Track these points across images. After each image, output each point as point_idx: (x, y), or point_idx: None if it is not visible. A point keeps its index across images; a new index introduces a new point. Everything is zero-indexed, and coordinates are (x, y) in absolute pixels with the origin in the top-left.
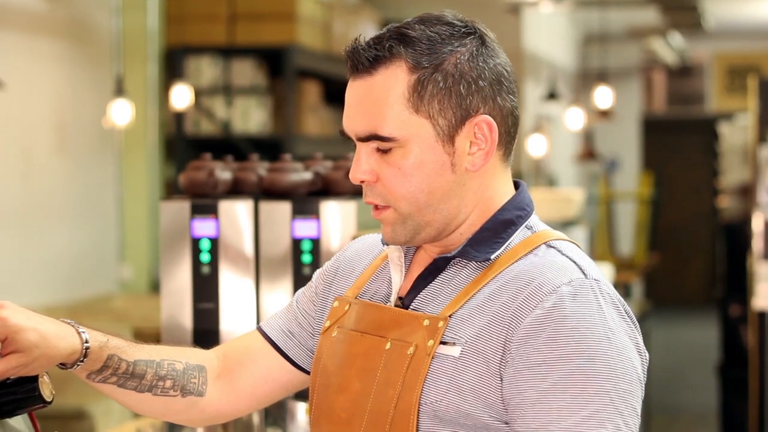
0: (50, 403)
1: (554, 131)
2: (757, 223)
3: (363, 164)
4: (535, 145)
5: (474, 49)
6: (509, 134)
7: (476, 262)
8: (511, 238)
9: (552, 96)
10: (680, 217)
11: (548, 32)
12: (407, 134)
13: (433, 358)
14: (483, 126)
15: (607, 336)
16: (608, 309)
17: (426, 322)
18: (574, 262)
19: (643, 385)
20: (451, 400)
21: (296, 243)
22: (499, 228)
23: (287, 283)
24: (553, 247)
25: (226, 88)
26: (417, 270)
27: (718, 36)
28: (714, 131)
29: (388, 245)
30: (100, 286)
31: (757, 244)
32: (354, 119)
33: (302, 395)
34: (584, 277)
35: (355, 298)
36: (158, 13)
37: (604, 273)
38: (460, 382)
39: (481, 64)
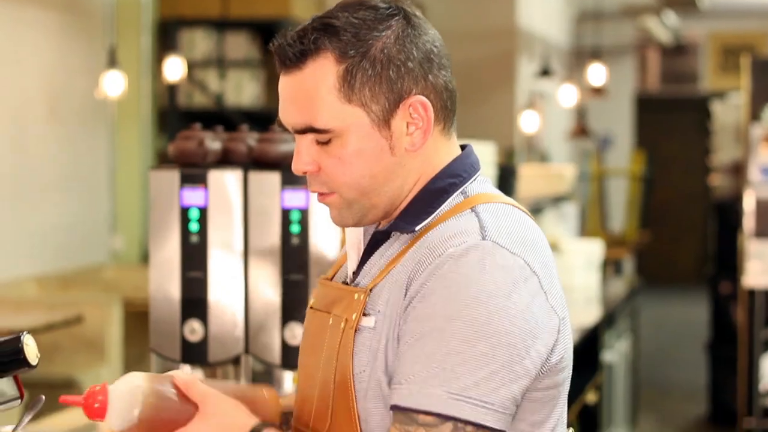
0: (35, 366)
1: (547, 108)
2: (748, 202)
3: (304, 156)
4: (527, 122)
5: (400, 30)
6: (446, 108)
7: (405, 233)
8: (441, 207)
9: (545, 73)
10: (672, 195)
11: (542, 9)
12: (342, 124)
13: (356, 331)
14: (417, 106)
15: (478, 298)
16: (493, 272)
17: (356, 296)
18: (483, 226)
19: (549, 347)
20: (373, 371)
21: (285, 213)
22: (429, 198)
23: (276, 253)
24: (475, 212)
25: (219, 60)
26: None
27: (712, 15)
28: (707, 110)
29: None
30: (91, 257)
31: (748, 222)
32: (289, 113)
33: (289, 364)
34: (480, 239)
35: (331, 278)
36: None
37: (540, 243)
38: (376, 352)
39: (408, 45)
